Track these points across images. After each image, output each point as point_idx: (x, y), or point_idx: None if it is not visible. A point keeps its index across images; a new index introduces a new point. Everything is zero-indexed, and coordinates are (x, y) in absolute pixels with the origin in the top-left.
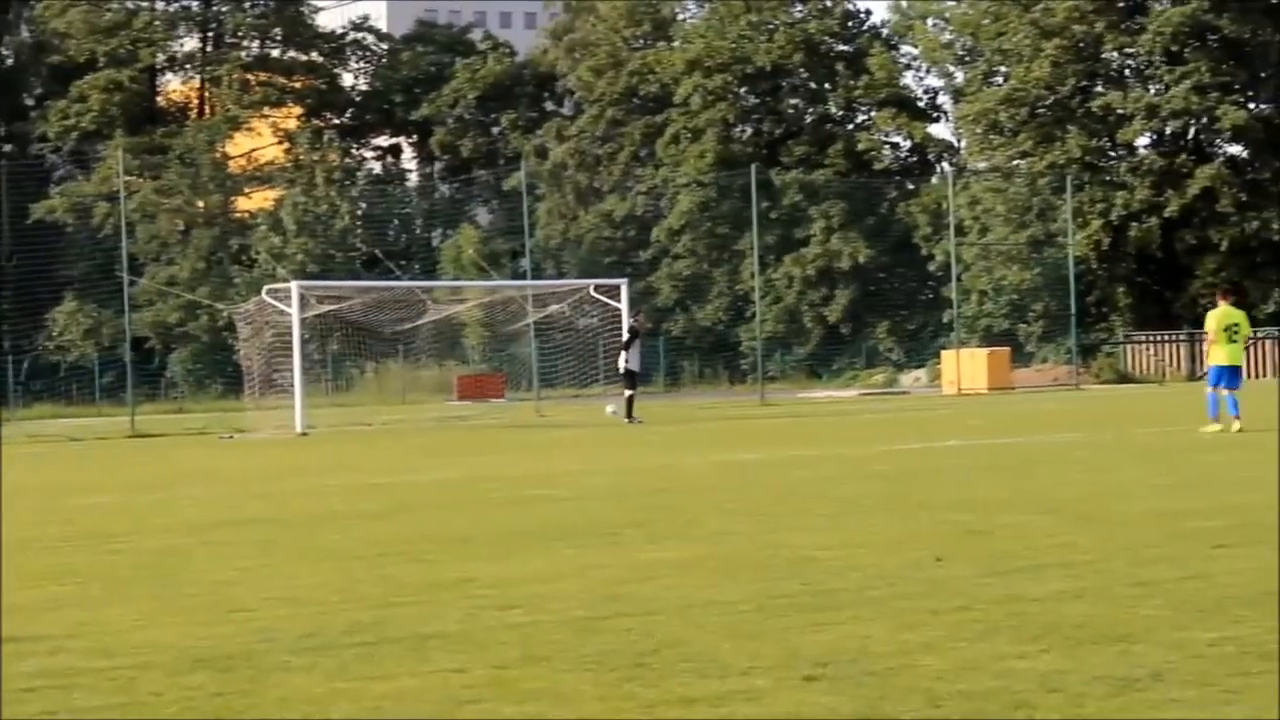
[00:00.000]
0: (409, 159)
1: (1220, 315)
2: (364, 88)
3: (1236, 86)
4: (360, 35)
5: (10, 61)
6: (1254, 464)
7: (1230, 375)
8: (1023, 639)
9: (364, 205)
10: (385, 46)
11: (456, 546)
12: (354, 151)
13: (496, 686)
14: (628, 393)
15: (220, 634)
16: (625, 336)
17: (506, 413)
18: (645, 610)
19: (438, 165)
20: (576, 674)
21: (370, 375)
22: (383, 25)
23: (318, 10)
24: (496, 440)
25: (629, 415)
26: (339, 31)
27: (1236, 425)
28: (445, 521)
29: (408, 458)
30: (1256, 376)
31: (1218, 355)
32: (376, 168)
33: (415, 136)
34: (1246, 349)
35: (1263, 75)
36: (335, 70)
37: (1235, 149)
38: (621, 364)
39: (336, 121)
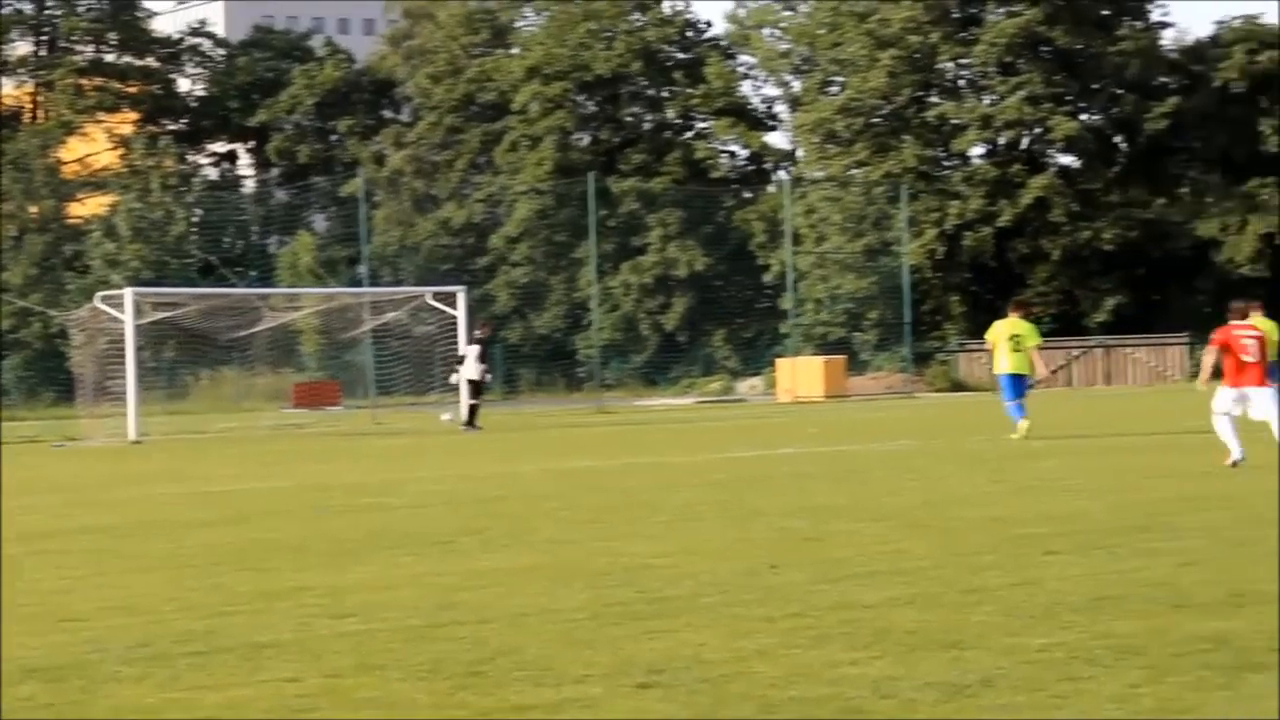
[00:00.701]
0: (245, 165)
1: (1004, 325)
2: (200, 93)
3: (1069, 97)
4: (197, 40)
5: None
6: (1082, 471)
7: (1014, 383)
8: (855, 645)
9: (200, 211)
10: (222, 51)
11: (290, 555)
12: (190, 157)
13: (330, 695)
14: (471, 401)
15: (51, 644)
16: (474, 347)
17: (343, 420)
18: (480, 618)
19: (274, 171)
20: (410, 682)
21: (205, 383)
22: (220, 30)
23: (152, 15)
24: (332, 448)
25: (471, 423)
26: (175, 36)
27: (1024, 429)
28: (279, 530)
29: (242, 466)
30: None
31: (1001, 364)
32: (213, 174)
33: (252, 142)
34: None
35: (1094, 86)
36: (171, 75)
37: (1067, 159)
38: (474, 373)
39: (172, 127)
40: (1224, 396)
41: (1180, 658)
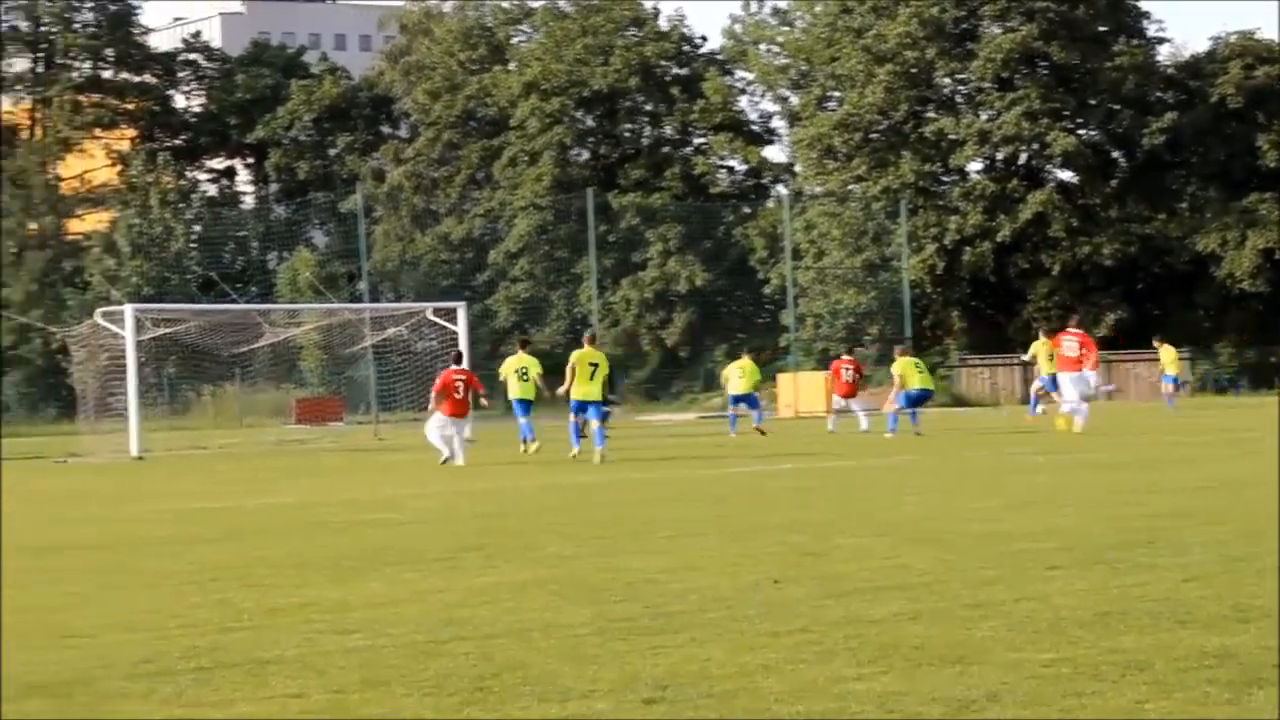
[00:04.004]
0: (245, 181)
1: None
2: (198, 109)
3: (1066, 113)
4: (193, 56)
5: None
6: (1082, 486)
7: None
8: (861, 660)
9: (199, 227)
10: (219, 67)
11: (294, 571)
12: (189, 173)
13: (335, 711)
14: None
15: (55, 660)
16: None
17: (345, 436)
18: (484, 634)
19: (274, 187)
20: (416, 698)
21: (207, 398)
22: (217, 41)
23: (149, 31)
24: (334, 464)
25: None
26: (172, 51)
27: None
28: (282, 546)
29: (245, 482)
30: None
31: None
32: (212, 190)
33: (251, 158)
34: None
35: (1092, 102)
36: (169, 91)
37: (1066, 174)
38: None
39: (171, 143)
40: None
41: (1185, 673)
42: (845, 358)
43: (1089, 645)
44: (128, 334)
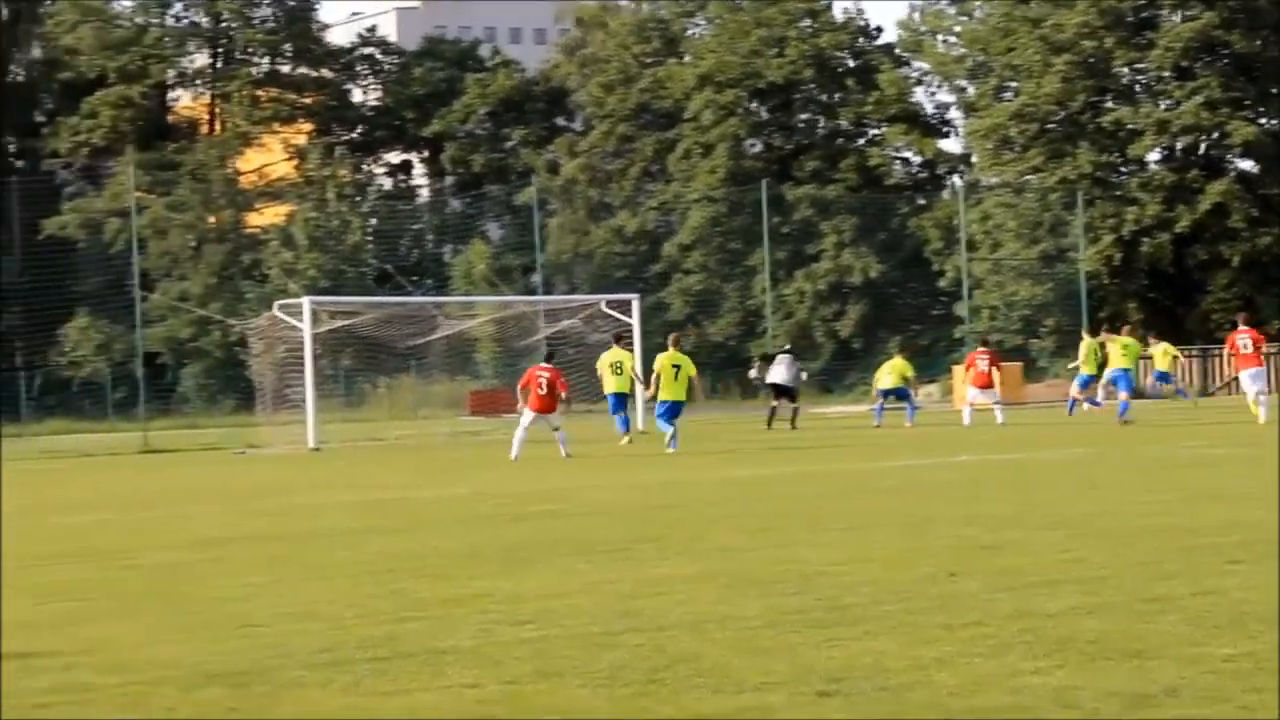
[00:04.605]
0: (420, 174)
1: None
2: (374, 103)
3: (1247, 102)
4: (370, 50)
5: (22, 78)
6: (1261, 480)
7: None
8: (1036, 654)
9: (375, 221)
10: (395, 61)
11: (468, 562)
12: (365, 167)
13: (510, 702)
14: (793, 405)
15: (232, 649)
16: (787, 355)
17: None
18: (657, 625)
19: (449, 180)
20: (590, 689)
21: (382, 390)
22: (392, 37)
23: (326, 27)
24: (507, 456)
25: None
26: (349, 46)
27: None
28: (457, 537)
29: (419, 473)
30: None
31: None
32: (387, 183)
33: (426, 152)
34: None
35: (1273, 91)
36: (345, 86)
37: (1246, 164)
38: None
39: (347, 137)
40: None
41: None
42: (981, 349)
43: (1270, 640)
44: (305, 326)
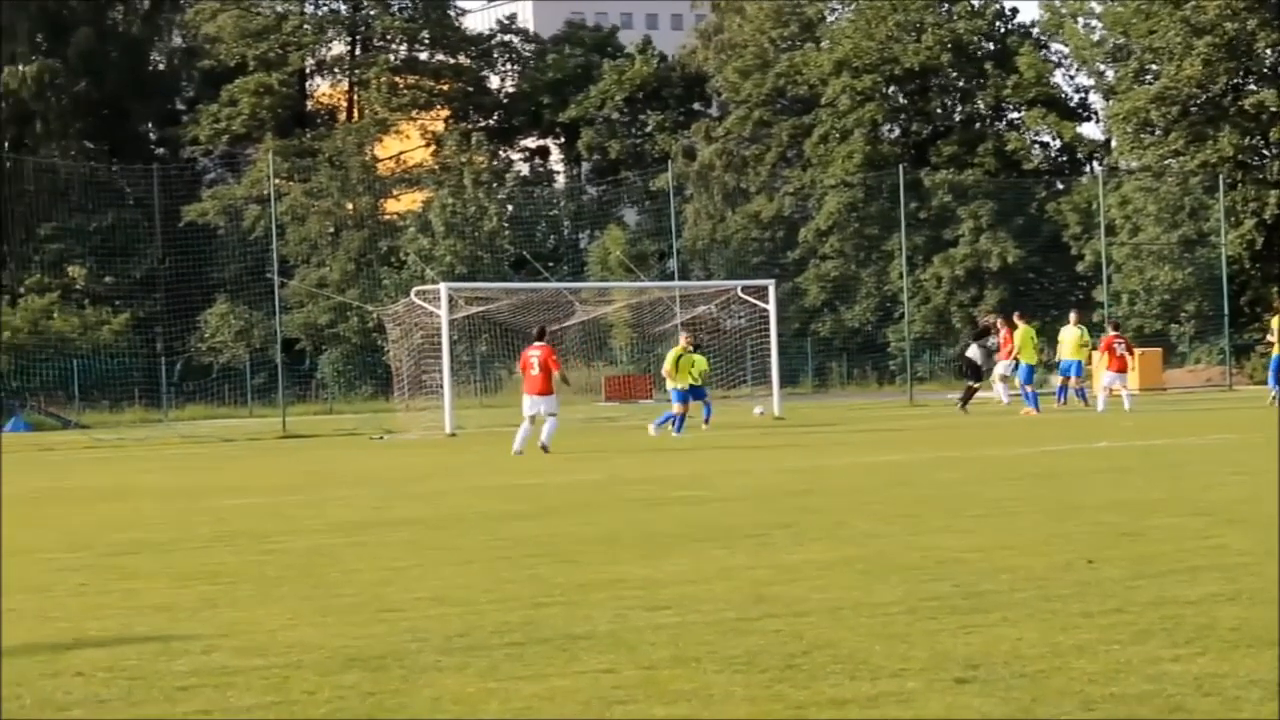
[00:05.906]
0: (556, 160)
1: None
2: (511, 89)
3: None
4: (507, 37)
5: (162, 66)
6: None
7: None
8: (1176, 642)
9: (511, 207)
10: (532, 48)
11: (604, 547)
12: (501, 153)
13: (646, 687)
14: (971, 384)
15: (371, 634)
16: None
17: (654, 414)
18: (794, 611)
19: (585, 166)
20: (726, 675)
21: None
22: (530, 25)
23: (464, 13)
24: (643, 441)
25: (963, 406)
26: (486, 33)
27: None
28: (592, 522)
29: (556, 459)
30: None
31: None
32: (524, 169)
33: (563, 138)
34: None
35: None
36: (482, 73)
37: None
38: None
39: (484, 123)
40: None
41: None
42: (1113, 334)
43: None
44: (442, 312)
